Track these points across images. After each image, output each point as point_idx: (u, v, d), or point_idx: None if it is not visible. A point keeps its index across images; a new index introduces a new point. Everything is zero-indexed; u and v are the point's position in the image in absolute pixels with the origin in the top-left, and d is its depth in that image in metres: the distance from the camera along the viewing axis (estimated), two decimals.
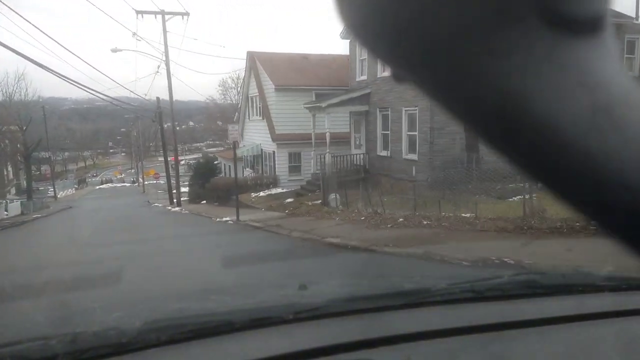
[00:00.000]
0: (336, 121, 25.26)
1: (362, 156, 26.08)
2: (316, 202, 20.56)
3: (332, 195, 19.48)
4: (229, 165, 40.25)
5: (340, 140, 25.73)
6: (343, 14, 0.37)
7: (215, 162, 41.02)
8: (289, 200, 23.07)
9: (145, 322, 1.49)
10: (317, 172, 25.46)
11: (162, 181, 59.27)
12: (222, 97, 79.32)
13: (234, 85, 74.23)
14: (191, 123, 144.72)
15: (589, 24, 0.34)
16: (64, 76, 24.28)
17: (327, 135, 23.82)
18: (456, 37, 0.34)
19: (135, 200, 47.73)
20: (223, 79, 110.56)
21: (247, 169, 36.43)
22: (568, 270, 3.43)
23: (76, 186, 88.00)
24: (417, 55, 0.36)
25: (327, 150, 24.05)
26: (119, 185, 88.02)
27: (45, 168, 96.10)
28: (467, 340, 1.48)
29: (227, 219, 19.63)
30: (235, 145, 19.75)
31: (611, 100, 0.34)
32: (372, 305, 1.67)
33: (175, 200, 33.89)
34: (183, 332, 1.47)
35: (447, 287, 1.78)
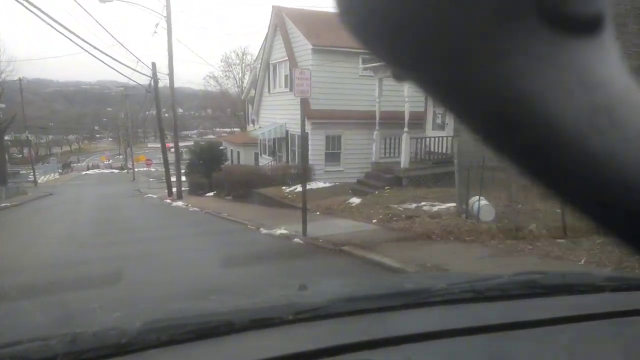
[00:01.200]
0: (391, 97, 19.14)
1: (445, 140, 18.85)
2: (408, 206, 13.24)
3: (481, 201, 10.86)
4: (238, 151, 35.42)
5: (398, 120, 18.88)
6: (343, 14, 0.37)
7: (220, 147, 35.08)
8: (354, 200, 16.08)
9: (145, 323, 1.48)
10: (380, 161, 19.71)
11: (153, 169, 55.08)
12: (225, 75, 67.39)
13: (238, 62, 64.93)
14: (180, 110, 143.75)
15: (589, 24, 0.34)
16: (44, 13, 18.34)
17: (407, 108, 17.61)
18: (456, 36, 0.34)
19: (125, 189, 41.74)
20: (226, 54, 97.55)
21: (263, 156, 29.49)
22: (568, 270, 3.42)
23: (60, 171, 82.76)
24: (416, 55, 0.36)
25: (406, 129, 18.03)
26: (106, 171, 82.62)
27: (27, 150, 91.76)
28: (467, 340, 1.48)
29: (284, 231, 11.66)
30: (303, 105, 12.38)
31: (611, 100, 0.34)
32: (372, 306, 1.67)
33: (175, 191, 28.37)
34: (183, 333, 1.47)
35: (447, 287, 1.78)
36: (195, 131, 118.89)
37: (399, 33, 0.35)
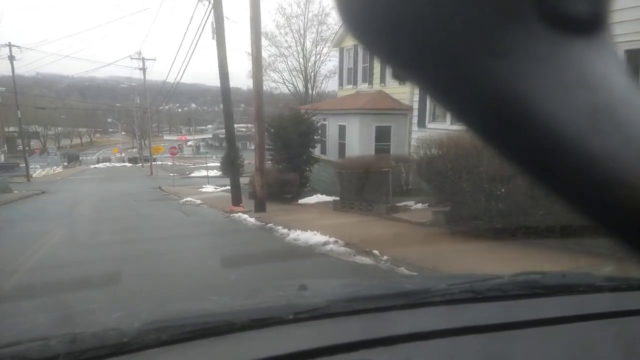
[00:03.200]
0: None
1: None
2: None
3: None
4: (341, 125, 21.53)
5: None
6: (343, 14, 0.37)
7: (314, 117, 21.13)
8: None
9: (145, 323, 1.49)
10: None
11: (170, 162, 47.59)
12: (282, 32, 42.66)
13: (300, 12, 42.40)
14: (194, 105, 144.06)
15: (589, 24, 0.34)
16: None
17: None
18: (456, 36, 0.34)
19: (141, 187, 31.65)
20: (281, 4, 66.03)
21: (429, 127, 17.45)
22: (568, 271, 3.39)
23: (65, 164, 72.49)
24: (417, 55, 0.36)
25: None
26: (118, 164, 73.25)
27: (35, 142, 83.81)
28: (467, 340, 1.48)
29: None
30: None
31: (611, 100, 0.34)
32: (372, 306, 1.67)
33: (252, 200, 16.50)
34: (183, 333, 1.48)
35: (447, 287, 1.78)
36: (210, 126, 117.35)
37: (399, 33, 0.35)
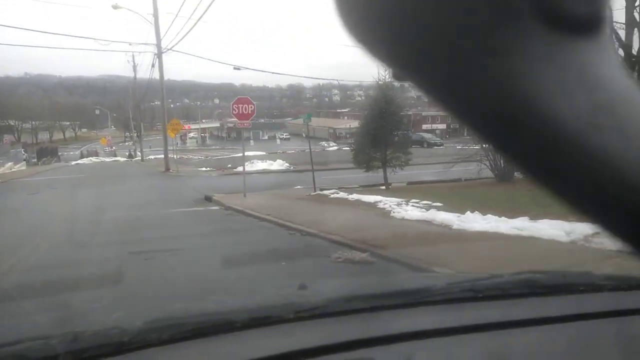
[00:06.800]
0: None
1: None
2: None
3: None
4: None
5: None
6: (342, 14, 0.37)
7: None
8: None
9: (145, 322, 1.49)
10: None
11: (176, 156, 31.44)
12: None
13: None
14: (186, 100, 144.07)
15: (589, 24, 0.34)
16: None
17: None
18: (456, 36, 0.34)
19: (172, 199, 16.48)
20: None
21: None
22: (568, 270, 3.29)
23: (34, 159, 58.21)
24: (416, 55, 0.36)
25: None
26: (108, 159, 57.15)
27: (8, 137, 75.67)
28: (467, 339, 1.48)
29: None
30: None
31: (611, 100, 0.34)
32: (372, 305, 1.67)
33: None
34: (183, 332, 1.47)
35: (447, 287, 1.78)
36: (205, 120, 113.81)
37: (398, 33, 0.35)
